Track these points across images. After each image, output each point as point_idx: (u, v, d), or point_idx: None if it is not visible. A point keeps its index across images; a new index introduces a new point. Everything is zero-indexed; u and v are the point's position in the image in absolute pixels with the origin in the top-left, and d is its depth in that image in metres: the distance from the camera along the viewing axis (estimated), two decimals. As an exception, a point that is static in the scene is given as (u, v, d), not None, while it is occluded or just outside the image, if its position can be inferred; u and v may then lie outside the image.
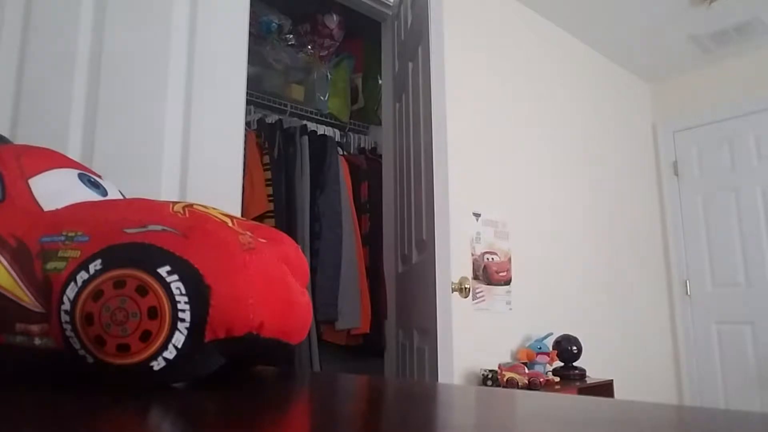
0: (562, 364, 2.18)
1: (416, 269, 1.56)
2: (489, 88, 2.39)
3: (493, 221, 2.29)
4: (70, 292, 0.35)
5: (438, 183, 1.39)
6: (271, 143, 2.14)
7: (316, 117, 2.43)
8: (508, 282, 2.28)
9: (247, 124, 2.06)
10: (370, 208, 2.30)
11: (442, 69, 1.46)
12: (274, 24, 2.31)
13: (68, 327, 0.34)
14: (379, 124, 2.27)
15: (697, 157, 3.26)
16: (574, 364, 2.27)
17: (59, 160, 0.47)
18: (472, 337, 2.08)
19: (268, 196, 2.03)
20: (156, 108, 1.11)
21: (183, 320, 0.34)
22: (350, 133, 2.57)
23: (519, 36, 2.62)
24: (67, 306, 0.35)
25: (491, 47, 2.45)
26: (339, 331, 2.08)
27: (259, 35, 2.27)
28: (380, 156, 2.25)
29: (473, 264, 2.16)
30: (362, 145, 2.56)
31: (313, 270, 2.02)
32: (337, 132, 2.45)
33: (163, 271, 0.34)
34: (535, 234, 2.47)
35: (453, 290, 1.50)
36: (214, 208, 0.43)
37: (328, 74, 2.50)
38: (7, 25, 0.98)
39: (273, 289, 0.38)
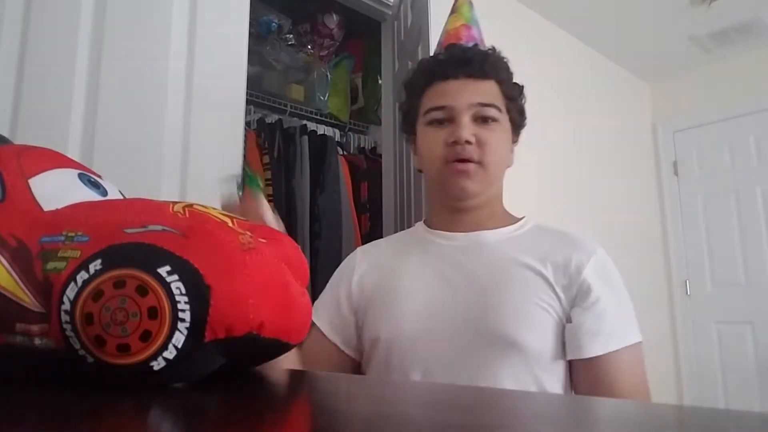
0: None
1: (416, 269, 1.55)
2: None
3: (493, 221, 2.28)
4: (70, 292, 0.35)
5: (438, 183, 1.39)
6: (271, 143, 2.14)
7: (316, 117, 2.43)
8: (508, 282, 2.27)
9: (247, 124, 2.06)
10: (370, 208, 2.30)
11: (442, 69, 1.46)
12: (274, 24, 2.31)
13: (68, 327, 0.34)
14: (379, 124, 2.27)
15: (697, 157, 3.26)
16: (574, 364, 2.26)
17: (59, 160, 0.47)
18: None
19: (268, 196, 2.03)
20: (156, 108, 1.11)
21: (183, 320, 0.34)
22: (350, 133, 2.56)
23: (517, 35, 2.61)
24: (67, 306, 0.35)
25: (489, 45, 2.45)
26: (339, 331, 2.08)
27: (259, 35, 2.27)
28: (380, 156, 2.25)
29: (473, 264, 2.16)
30: (362, 145, 2.55)
31: (313, 270, 2.02)
32: (337, 132, 2.45)
33: (163, 271, 0.34)
34: (535, 234, 2.46)
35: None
36: (214, 208, 0.43)
37: (328, 74, 2.50)
38: (7, 25, 0.98)
39: (273, 289, 0.38)
